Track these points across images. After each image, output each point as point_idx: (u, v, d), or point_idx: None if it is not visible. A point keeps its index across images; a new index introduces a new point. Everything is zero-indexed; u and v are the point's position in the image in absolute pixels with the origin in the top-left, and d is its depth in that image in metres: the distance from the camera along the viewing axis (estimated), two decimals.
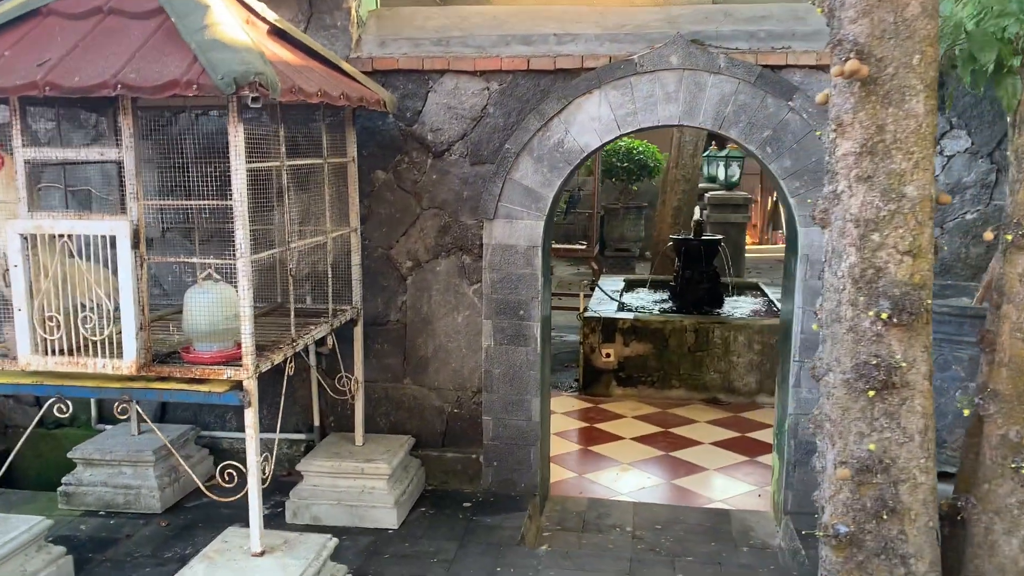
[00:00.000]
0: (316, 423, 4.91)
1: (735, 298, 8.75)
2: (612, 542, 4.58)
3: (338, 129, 4.39)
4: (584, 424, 6.75)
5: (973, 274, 4.30)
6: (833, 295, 2.73)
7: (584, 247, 10.37)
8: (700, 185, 11.64)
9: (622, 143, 14.34)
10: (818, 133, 2.78)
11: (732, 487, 5.51)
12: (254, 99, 3.00)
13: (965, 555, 2.88)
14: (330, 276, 4.19)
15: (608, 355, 7.45)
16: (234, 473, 3.43)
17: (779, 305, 8.23)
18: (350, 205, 4.46)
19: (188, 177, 3.67)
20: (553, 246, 10.38)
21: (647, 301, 8.73)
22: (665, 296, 8.79)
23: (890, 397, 2.65)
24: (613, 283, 9.24)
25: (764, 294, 8.96)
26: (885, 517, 2.67)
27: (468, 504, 4.66)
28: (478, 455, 4.80)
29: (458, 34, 4.56)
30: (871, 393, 2.63)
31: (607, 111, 4.40)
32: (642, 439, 6.41)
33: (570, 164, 4.48)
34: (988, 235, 2.77)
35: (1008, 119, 2.92)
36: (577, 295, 8.41)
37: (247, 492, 3.39)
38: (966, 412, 2.83)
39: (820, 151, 4.25)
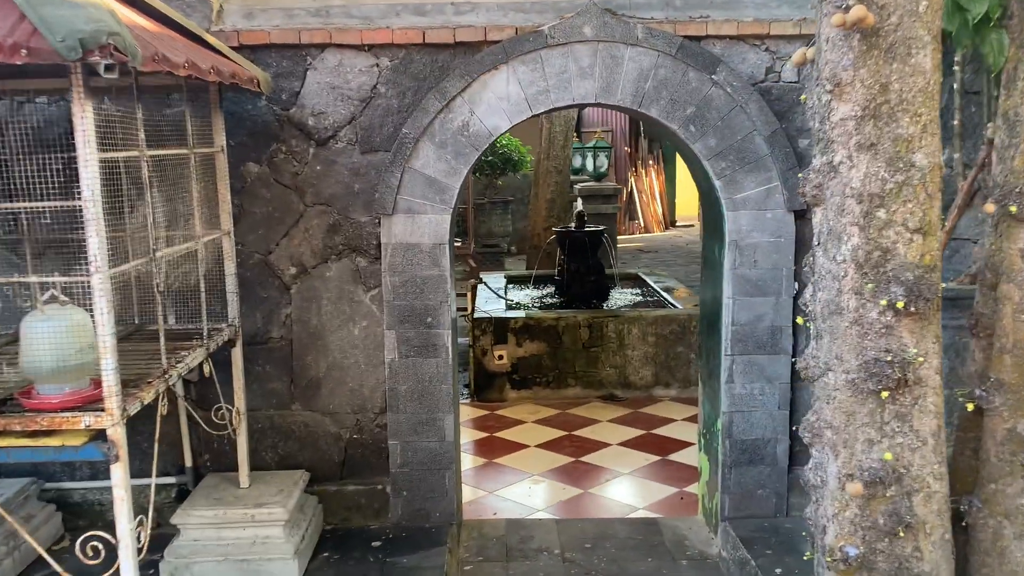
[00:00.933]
0: (188, 463, 4.17)
1: (619, 290, 8.51)
2: (543, 569, 4.12)
3: (202, 114, 3.69)
4: (483, 434, 6.26)
5: None
6: (831, 283, 2.37)
7: (461, 244, 9.88)
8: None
9: None
10: (803, 97, 2.43)
11: (652, 491, 5.18)
12: (107, 67, 2.32)
13: (971, 564, 2.60)
14: (203, 289, 3.50)
15: (501, 357, 6.99)
16: (100, 546, 2.70)
17: (665, 295, 8.06)
18: (220, 204, 3.77)
19: (9, 175, 2.92)
20: None
21: (533, 297, 8.35)
22: (550, 291, 8.44)
23: (902, 397, 2.31)
24: (494, 280, 8.79)
25: (646, 284, 8.77)
26: (900, 534, 2.33)
27: (377, 543, 4.06)
28: (384, 485, 4.21)
29: (340, 3, 3.95)
30: (884, 394, 2.28)
31: (516, 89, 3.91)
32: (547, 445, 5.99)
33: (477, 149, 3.97)
34: (989, 207, 2.48)
35: (998, 79, 2.66)
36: (464, 294, 7.91)
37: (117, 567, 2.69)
38: (970, 406, 2.55)
39: (746, 129, 3.94)
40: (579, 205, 8.19)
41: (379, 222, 4.02)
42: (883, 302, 2.25)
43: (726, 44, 3.97)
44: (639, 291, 8.60)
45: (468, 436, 6.14)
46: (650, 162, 21.05)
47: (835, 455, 2.41)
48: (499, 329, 6.96)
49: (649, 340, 6.99)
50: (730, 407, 4.14)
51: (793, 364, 4.15)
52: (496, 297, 7.75)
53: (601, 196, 10.98)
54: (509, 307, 7.63)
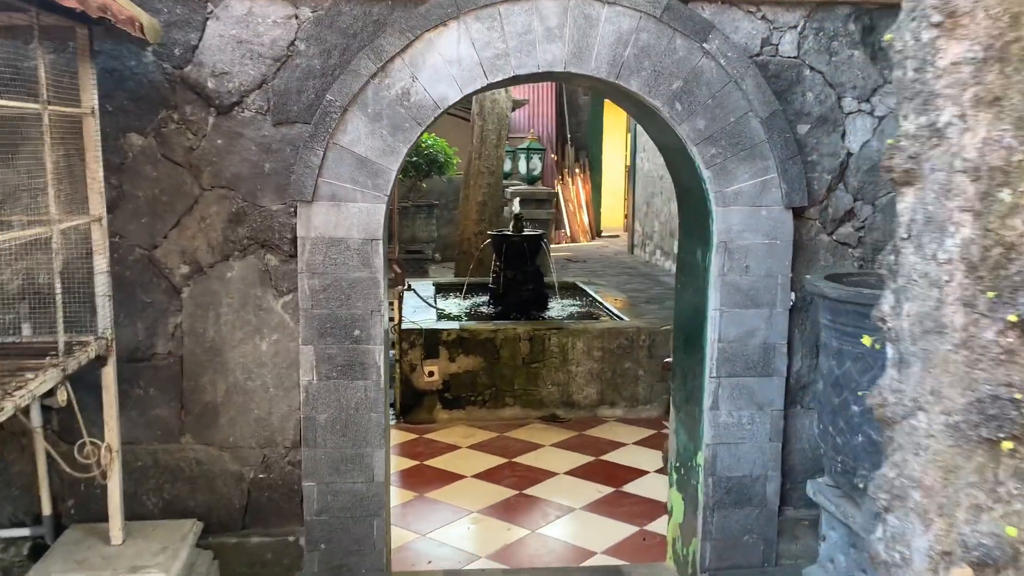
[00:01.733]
0: (47, 511, 3.30)
1: (558, 300, 7.87)
2: None
3: (65, 67, 2.86)
4: (411, 462, 5.49)
5: None
6: (926, 291, 1.73)
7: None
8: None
9: None
10: (887, 37, 1.81)
11: (609, 531, 4.51)
12: None
13: None
14: (59, 291, 2.66)
15: (432, 373, 6.24)
16: None
17: (608, 306, 7.45)
18: (89, 183, 2.94)
19: None
20: None
21: (465, 307, 7.62)
22: (484, 300, 7.73)
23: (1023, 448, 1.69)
24: (422, 288, 8.03)
25: (585, 294, 8.15)
26: None
27: None
28: (297, 536, 3.42)
29: None
30: (1006, 444, 1.65)
31: (469, 51, 3.20)
32: (486, 475, 5.27)
33: (420, 124, 3.24)
34: None
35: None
36: (391, 303, 7.10)
37: None
38: None
39: (741, 109, 3.32)
40: (516, 207, 7.53)
41: (295, 211, 3.25)
42: (1012, 317, 1.62)
43: (716, 9, 3.35)
44: (579, 301, 7.98)
45: (394, 464, 5.36)
46: (576, 170, 20.60)
47: (925, 525, 1.77)
48: (430, 342, 6.21)
49: (595, 355, 6.36)
50: (714, 439, 3.51)
51: (787, 387, 3.55)
52: (426, 306, 7.00)
53: (535, 200, 10.35)
54: (441, 317, 6.88)
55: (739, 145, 3.34)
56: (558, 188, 17.53)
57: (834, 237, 3.55)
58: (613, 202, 22.22)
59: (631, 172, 17.62)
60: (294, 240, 3.28)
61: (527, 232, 7.61)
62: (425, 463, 5.47)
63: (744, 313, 3.44)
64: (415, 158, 12.96)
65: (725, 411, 3.49)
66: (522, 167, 10.55)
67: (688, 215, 3.80)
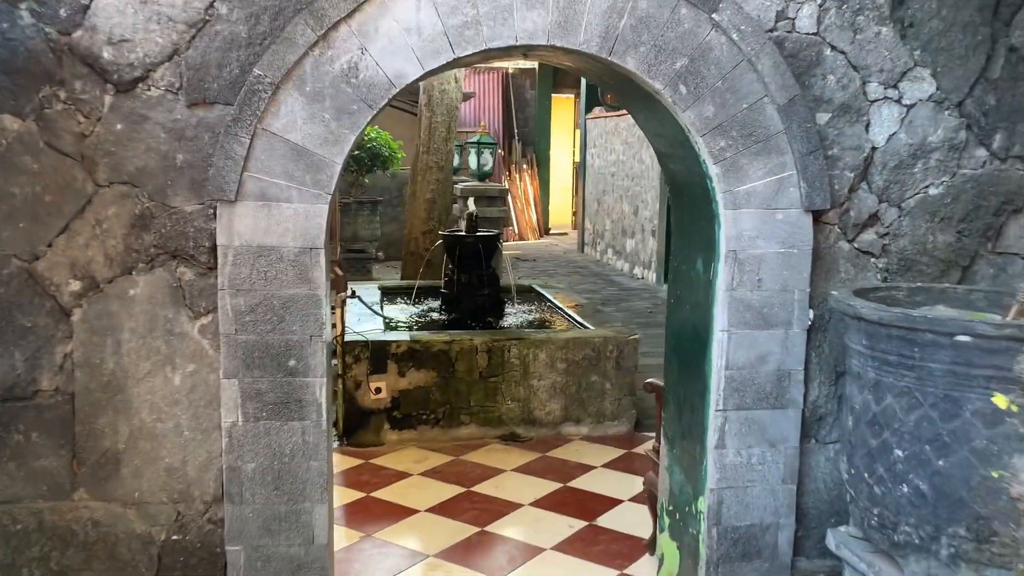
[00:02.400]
0: None
1: (515, 306, 7.31)
2: None
3: None
4: (357, 494, 4.87)
5: (942, 271, 3.10)
6: None
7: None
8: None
9: None
10: None
11: None
12: None
13: None
14: None
15: (379, 390, 5.63)
16: None
17: (570, 313, 6.93)
18: None
19: None
20: None
21: (414, 314, 7.01)
22: (436, 306, 7.12)
23: None
24: (366, 293, 7.39)
25: (543, 298, 7.61)
26: None
27: None
28: None
29: None
30: None
31: (431, 17, 2.62)
32: (442, 509, 4.68)
33: (371, 106, 2.64)
34: None
35: None
36: (332, 310, 6.47)
37: None
38: None
39: (756, 94, 2.80)
40: (470, 205, 6.95)
41: (215, 213, 2.62)
42: None
43: None
44: (536, 307, 7.43)
45: (336, 497, 4.74)
46: (524, 166, 20.10)
47: None
48: (377, 355, 5.60)
49: (559, 367, 5.82)
50: (720, 482, 2.99)
51: (804, 421, 3.04)
52: (371, 314, 6.37)
53: (486, 197, 9.78)
54: (388, 327, 6.26)
55: (753, 136, 2.82)
56: (505, 184, 16.98)
57: (855, 245, 3.05)
58: (561, 199, 21.77)
59: (581, 169, 17.17)
60: (213, 249, 2.65)
61: (482, 232, 7.03)
62: (372, 495, 4.85)
63: (756, 335, 2.92)
64: (357, 151, 12.28)
65: (733, 450, 2.97)
66: (472, 162, 9.96)
67: (686, 219, 3.26)
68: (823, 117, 2.94)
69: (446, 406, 5.72)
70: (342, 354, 5.61)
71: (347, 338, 5.64)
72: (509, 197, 18.05)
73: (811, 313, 2.96)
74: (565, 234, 20.48)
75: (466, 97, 16.30)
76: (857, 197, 3.02)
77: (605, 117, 15.21)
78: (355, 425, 5.65)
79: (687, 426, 3.19)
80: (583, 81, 16.32)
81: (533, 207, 19.81)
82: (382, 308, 6.78)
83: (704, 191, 2.93)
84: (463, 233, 6.96)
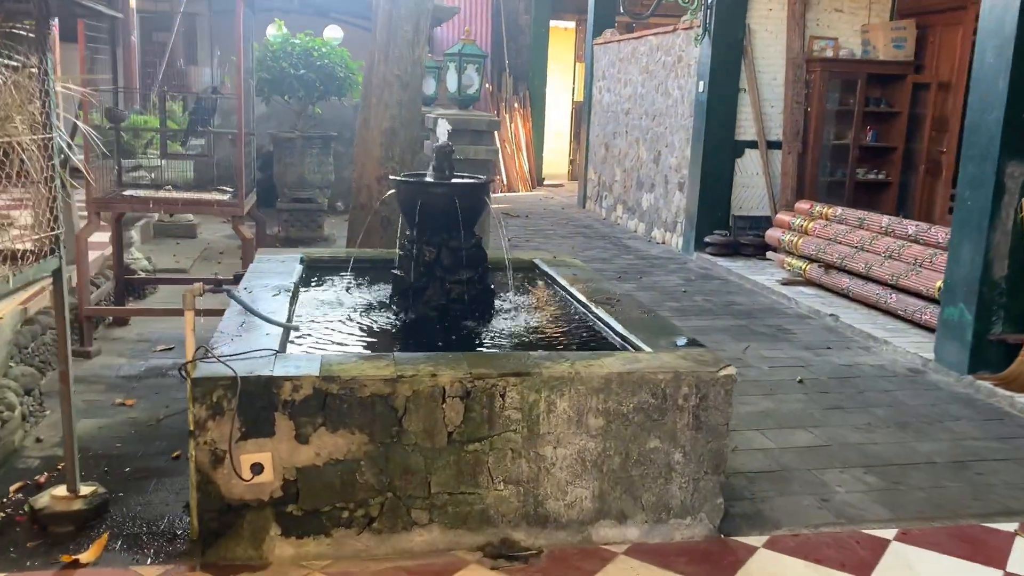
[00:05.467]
0: None
1: (512, 296, 4.66)
2: None
3: None
4: None
5: None
6: None
7: (226, 198, 5.66)
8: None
9: (295, 41, 9.68)
10: None
11: None
12: None
13: None
14: None
15: (259, 469, 3.00)
16: None
17: (600, 314, 4.30)
18: None
19: None
20: (162, 196, 5.57)
21: (349, 310, 4.31)
22: (382, 296, 4.46)
23: None
24: (279, 267, 4.71)
25: (551, 281, 4.96)
26: None
27: None
28: None
29: None
30: None
31: None
32: None
33: None
34: None
35: None
36: (179, 313, 3.81)
37: None
38: None
39: None
40: (442, 132, 4.26)
41: None
42: None
43: None
44: (543, 297, 4.79)
45: None
46: (515, 105, 17.26)
47: None
48: (254, 404, 2.97)
49: (592, 424, 3.22)
50: None
51: None
52: (263, 321, 3.68)
53: (469, 132, 7.05)
54: (284, 345, 3.58)
55: None
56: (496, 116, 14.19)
57: None
58: (557, 145, 18.96)
59: (584, 107, 14.38)
60: None
61: (460, 178, 4.35)
62: None
63: None
64: (303, 71, 9.48)
65: None
66: (451, 81, 7.21)
67: None
68: None
69: (387, 495, 3.12)
70: (192, 399, 2.97)
71: (198, 375, 2.99)
72: (497, 135, 15.27)
73: None
74: (561, 186, 17.76)
75: (444, 14, 13.40)
76: None
77: (619, 41, 12.39)
78: (217, 527, 3.04)
79: None
80: (592, 1, 13.45)
81: (525, 154, 17.04)
82: (293, 303, 4.10)
83: None
84: (429, 179, 4.29)
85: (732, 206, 9.59)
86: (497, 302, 4.41)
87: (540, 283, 5.01)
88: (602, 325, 4.02)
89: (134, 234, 7.12)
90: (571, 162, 18.84)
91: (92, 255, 7.03)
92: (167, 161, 7.14)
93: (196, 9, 13.10)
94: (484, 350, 3.74)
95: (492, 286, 4.37)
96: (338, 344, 3.67)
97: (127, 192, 5.65)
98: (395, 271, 4.33)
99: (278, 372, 3.03)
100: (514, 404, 3.16)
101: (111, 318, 6.11)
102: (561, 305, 4.50)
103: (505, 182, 16.40)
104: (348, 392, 3.04)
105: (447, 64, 7.45)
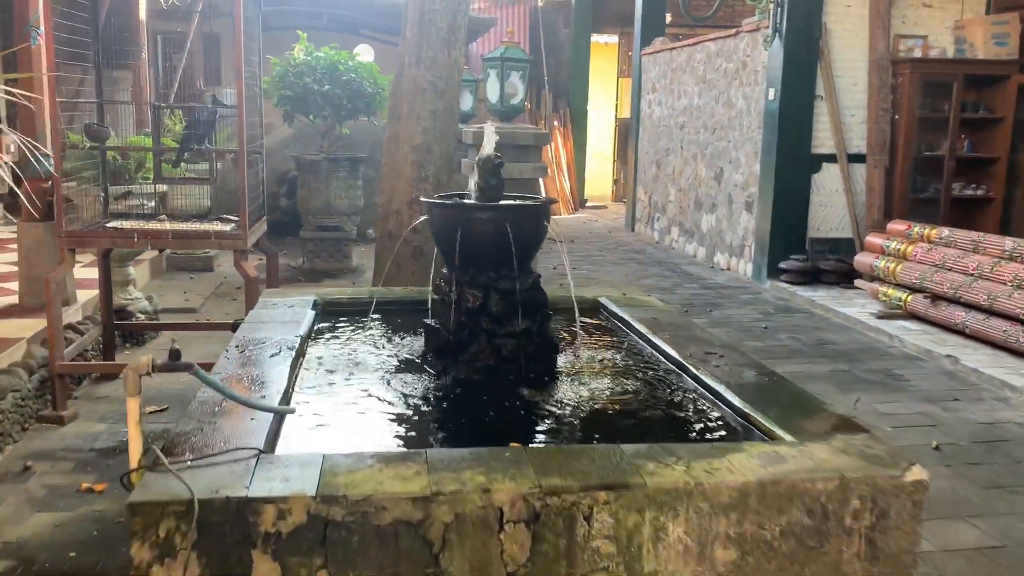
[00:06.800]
0: None
1: (579, 350, 3.62)
2: None
3: None
4: None
5: None
6: None
7: (228, 229, 4.73)
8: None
9: (319, 54, 8.84)
10: None
11: None
12: None
13: None
14: None
15: None
16: None
17: (697, 373, 3.21)
18: None
19: None
20: (152, 227, 4.60)
21: (368, 375, 3.29)
22: (412, 351, 3.45)
23: None
24: (285, 314, 3.74)
25: (621, 325, 3.94)
26: None
27: None
28: None
29: None
30: None
31: None
32: None
33: None
34: None
35: None
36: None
37: None
38: None
39: None
40: (489, 141, 3.27)
41: None
42: None
43: None
44: (618, 350, 3.74)
45: None
46: (555, 123, 16.34)
47: None
48: (224, 539, 1.97)
49: (719, 558, 2.17)
50: None
51: None
52: (247, 408, 2.69)
53: (514, 147, 6.09)
54: (271, 443, 2.58)
55: None
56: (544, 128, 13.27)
57: None
58: (599, 165, 17.98)
59: (632, 122, 13.37)
60: None
61: (512, 200, 3.36)
62: None
63: None
64: (328, 87, 8.62)
65: None
66: (492, 91, 6.25)
67: None
68: None
69: None
70: (134, 532, 1.98)
71: (144, 487, 2.01)
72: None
73: None
74: (604, 207, 16.75)
75: (481, 26, 12.52)
76: None
77: (672, 49, 11.39)
78: None
79: None
80: (639, 9, 12.49)
81: (567, 174, 16.09)
82: (299, 359, 3.11)
83: None
84: (471, 201, 3.31)
85: (809, 227, 8.50)
86: (560, 358, 3.39)
87: (610, 329, 3.98)
88: (708, 394, 2.98)
89: (132, 271, 6.23)
90: (615, 182, 17.84)
91: (85, 296, 6.14)
92: (173, 187, 6.27)
93: (218, 28, 12.39)
94: (553, 442, 2.71)
95: (554, 338, 3.36)
96: (350, 431, 2.67)
97: (111, 224, 4.74)
98: (428, 321, 3.34)
99: (256, 491, 2.03)
100: (605, 531, 2.13)
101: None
102: (644, 362, 3.46)
103: None
104: (360, 519, 2.03)
105: (487, 72, 6.50)
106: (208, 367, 2.67)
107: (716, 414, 2.82)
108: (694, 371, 3.14)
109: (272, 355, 3.14)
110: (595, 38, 16.91)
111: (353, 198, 9.17)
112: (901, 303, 6.90)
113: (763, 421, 2.63)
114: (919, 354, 6.10)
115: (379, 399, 2.93)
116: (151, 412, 4.73)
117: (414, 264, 5.45)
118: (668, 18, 13.01)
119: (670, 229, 11.53)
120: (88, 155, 4.89)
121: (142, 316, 6.10)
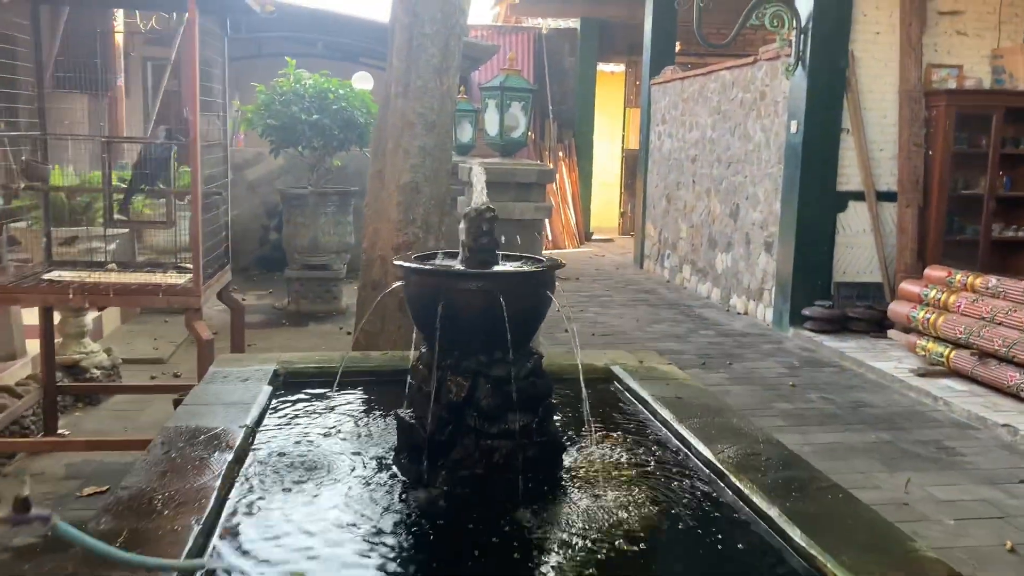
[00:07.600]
0: None
1: (589, 447, 2.96)
2: None
3: None
4: None
5: None
6: None
7: (181, 283, 4.09)
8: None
9: (308, 81, 8.27)
10: None
11: None
12: None
13: None
14: None
15: None
16: None
17: (730, 478, 2.52)
18: None
19: None
20: (94, 279, 3.95)
21: (322, 483, 2.62)
22: (384, 445, 2.80)
23: None
24: (235, 390, 3.09)
25: (644, 410, 3.28)
26: None
27: None
28: None
29: None
30: None
31: None
32: None
33: None
34: None
35: None
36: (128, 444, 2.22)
37: None
38: None
39: None
40: (478, 185, 2.63)
41: None
42: None
43: None
44: (636, 445, 3.07)
45: None
46: (560, 154, 15.78)
47: None
48: None
49: None
50: None
51: None
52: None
53: (515, 185, 5.48)
54: None
55: None
56: (549, 164, 12.70)
57: None
58: (606, 197, 17.41)
59: (641, 154, 12.80)
60: None
61: (507, 266, 2.73)
62: None
63: None
64: (317, 116, 8.04)
65: None
66: (491, 123, 5.65)
67: None
68: None
69: None
70: None
71: None
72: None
73: None
74: (611, 240, 16.15)
75: (482, 53, 11.97)
76: None
77: (683, 78, 10.82)
78: None
79: None
80: (648, 36, 11.94)
81: (571, 207, 15.50)
82: (239, 462, 2.46)
83: None
84: (456, 266, 2.68)
85: (835, 271, 7.85)
86: (566, 457, 2.74)
87: (628, 414, 3.32)
88: (758, 518, 2.31)
89: (89, 320, 5.60)
90: (622, 215, 17.25)
91: (36, 347, 5.50)
92: (140, 232, 5.68)
93: (209, 56, 11.88)
94: None
95: (559, 439, 2.71)
96: None
97: (46, 276, 4.11)
98: (402, 414, 2.68)
99: None
100: None
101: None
102: (669, 465, 2.80)
103: (550, 238, 14.84)
104: None
105: (486, 102, 5.89)
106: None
107: (771, 558, 2.15)
108: (735, 482, 2.48)
109: (203, 459, 2.49)
110: (601, 67, 16.41)
111: (343, 235, 8.57)
112: (943, 359, 6.24)
113: (835, 572, 1.97)
114: (970, 421, 5.42)
115: (330, 526, 2.27)
116: (90, 494, 4.08)
117: (400, 317, 4.82)
118: (678, 46, 12.47)
119: (681, 267, 10.90)
120: (29, 196, 4.28)
121: (98, 372, 5.46)
